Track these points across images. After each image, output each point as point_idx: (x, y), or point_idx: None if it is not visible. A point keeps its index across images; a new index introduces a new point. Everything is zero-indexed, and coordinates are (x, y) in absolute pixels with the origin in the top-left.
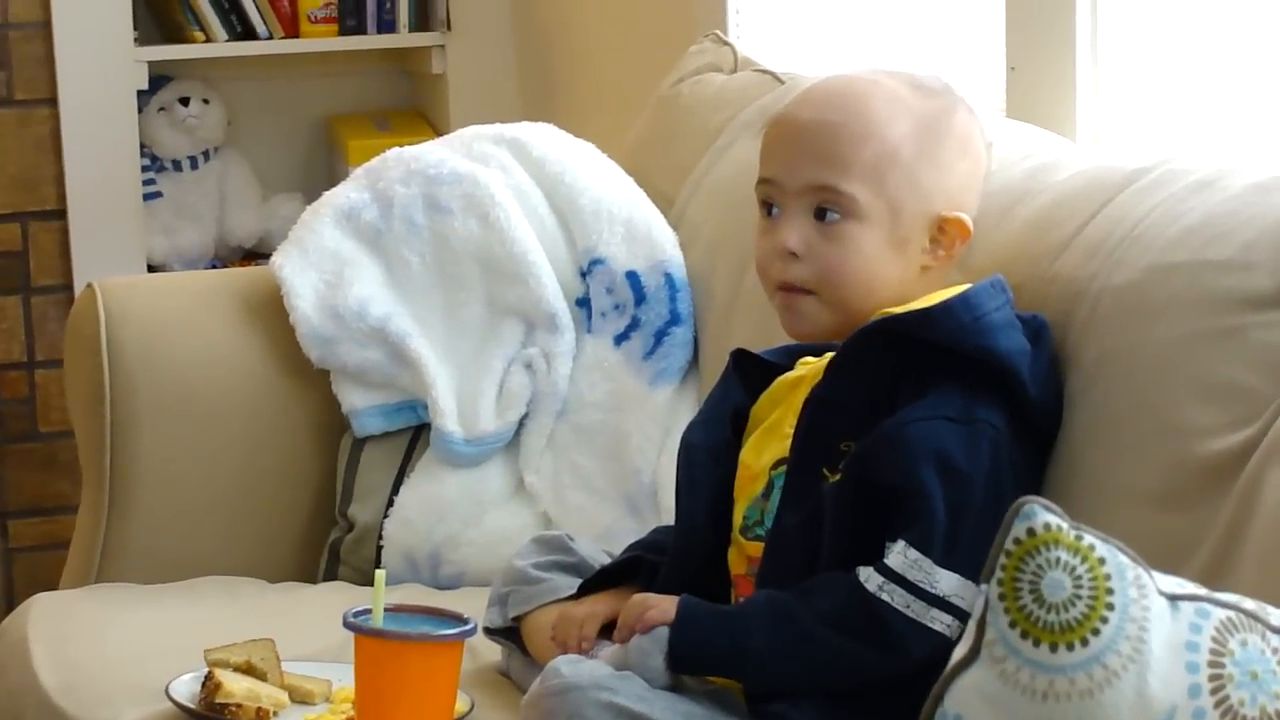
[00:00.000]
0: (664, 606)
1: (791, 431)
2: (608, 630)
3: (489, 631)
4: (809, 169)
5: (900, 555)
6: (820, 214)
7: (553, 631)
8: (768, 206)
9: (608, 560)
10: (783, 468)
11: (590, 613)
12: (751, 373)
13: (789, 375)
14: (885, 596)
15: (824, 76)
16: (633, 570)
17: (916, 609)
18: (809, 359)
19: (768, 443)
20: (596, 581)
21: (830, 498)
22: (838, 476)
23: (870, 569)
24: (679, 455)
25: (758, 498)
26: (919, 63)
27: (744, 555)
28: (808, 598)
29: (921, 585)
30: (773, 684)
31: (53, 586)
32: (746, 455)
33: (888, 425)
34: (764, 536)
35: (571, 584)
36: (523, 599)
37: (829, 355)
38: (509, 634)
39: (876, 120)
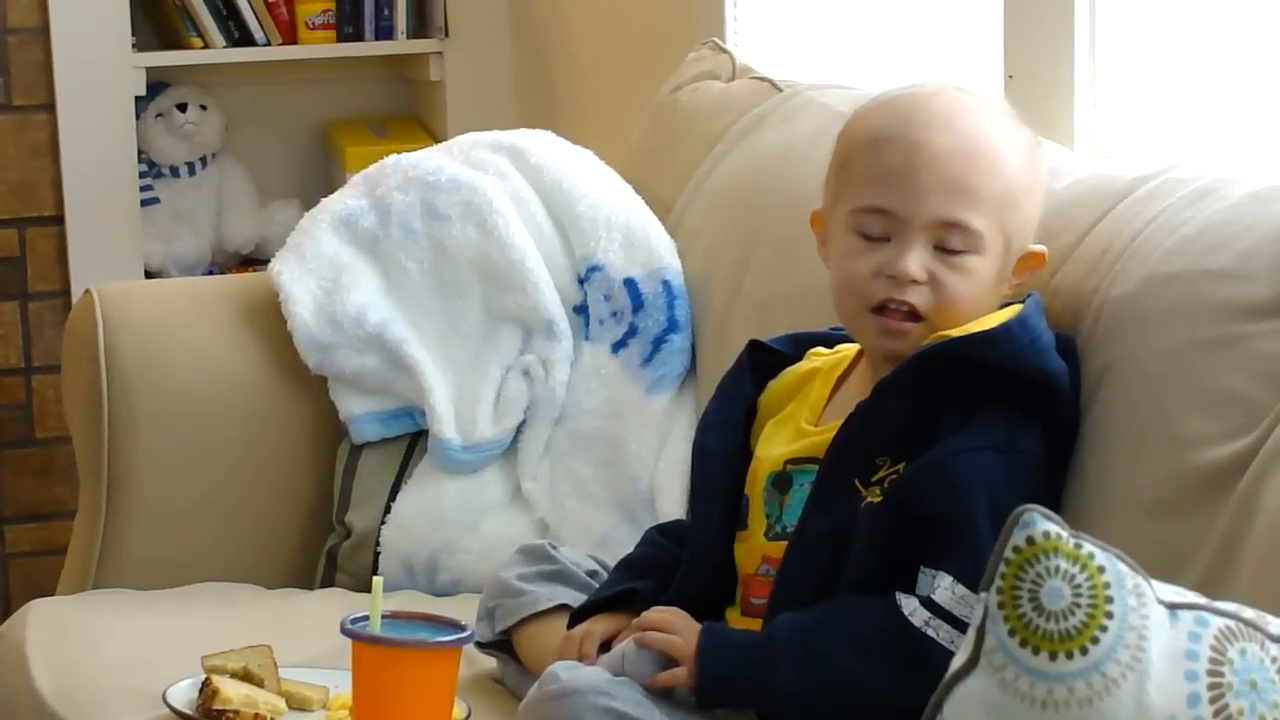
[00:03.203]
0: (683, 643)
1: (807, 426)
2: (606, 647)
3: (480, 646)
4: (940, 204)
5: (948, 591)
6: (943, 246)
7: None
8: (869, 232)
9: (591, 566)
10: (805, 465)
11: (588, 631)
12: (762, 363)
13: (800, 366)
14: (931, 632)
15: (912, 89)
16: (629, 594)
17: (960, 643)
18: (821, 349)
19: (780, 435)
20: (590, 609)
21: (867, 519)
22: (878, 498)
23: (914, 601)
24: (694, 457)
25: (770, 489)
26: (917, 70)
27: (759, 554)
28: (837, 625)
29: (967, 620)
30: (800, 716)
31: (49, 592)
32: (759, 448)
33: (936, 454)
34: (783, 535)
35: (553, 592)
36: (507, 612)
37: (844, 348)
38: (501, 645)
39: (1000, 153)
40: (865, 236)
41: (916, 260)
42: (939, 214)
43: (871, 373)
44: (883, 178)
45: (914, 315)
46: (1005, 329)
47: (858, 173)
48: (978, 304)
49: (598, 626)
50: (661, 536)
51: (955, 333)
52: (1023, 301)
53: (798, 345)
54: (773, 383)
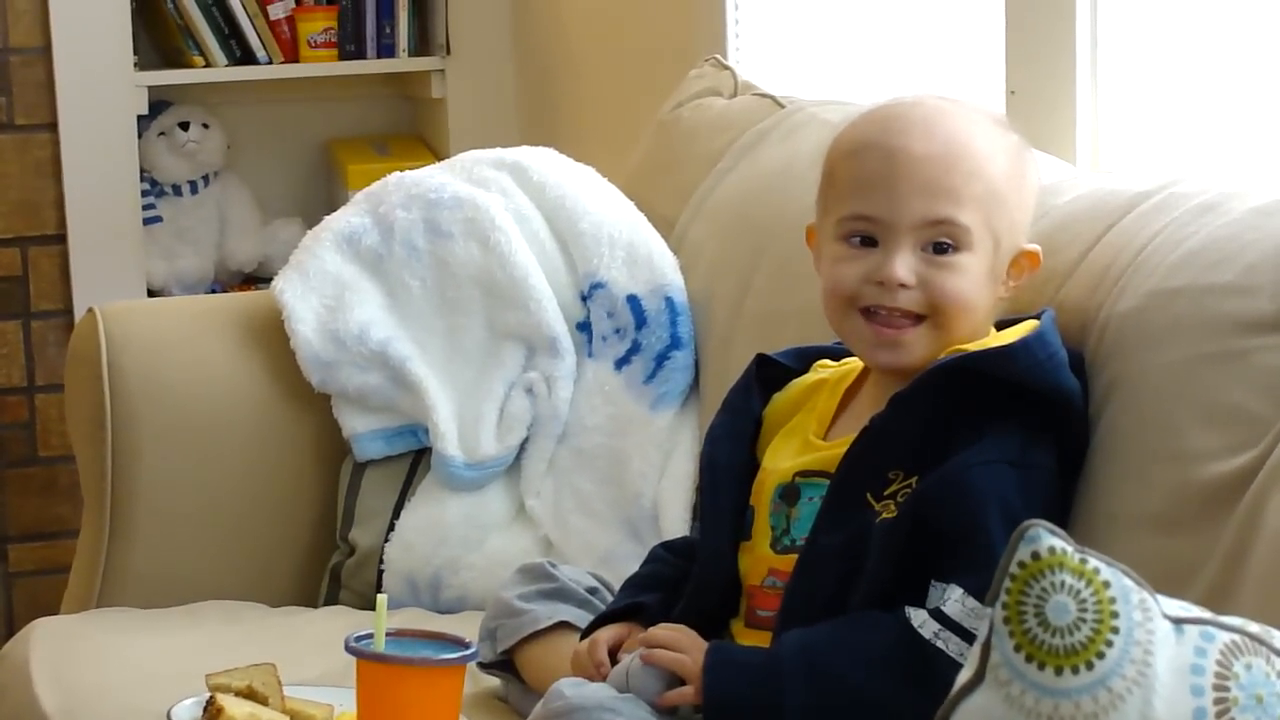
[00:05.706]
0: (691, 662)
1: (816, 439)
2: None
3: (483, 666)
4: (924, 204)
5: (958, 603)
6: (932, 247)
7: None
8: (861, 238)
9: (591, 583)
10: (814, 478)
11: (593, 640)
12: (768, 378)
13: (807, 379)
14: (940, 644)
15: (894, 101)
16: (637, 608)
17: (969, 656)
18: (827, 362)
19: (789, 448)
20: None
21: (882, 534)
22: (892, 513)
23: (924, 614)
24: (703, 470)
25: (777, 501)
26: (919, 86)
27: (765, 566)
28: (844, 641)
29: (976, 632)
30: None
31: (53, 611)
32: (766, 460)
33: (951, 468)
34: (791, 548)
35: (553, 610)
36: (508, 632)
37: (851, 361)
38: (504, 665)
39: (981, 155)
40: (853, 243)
41: (904, 264)
42: (922, 214)
43: (881, 386)
44: (864, 185)
45: (911, 317)
46: (1024, 344)
47: (841, 184)
48: (975, 305)
49: (603, 634)
50: (667, 553)
51: (971, 347)
52: (1037, 317)
53: (803, 359)
54: (778, 395)
